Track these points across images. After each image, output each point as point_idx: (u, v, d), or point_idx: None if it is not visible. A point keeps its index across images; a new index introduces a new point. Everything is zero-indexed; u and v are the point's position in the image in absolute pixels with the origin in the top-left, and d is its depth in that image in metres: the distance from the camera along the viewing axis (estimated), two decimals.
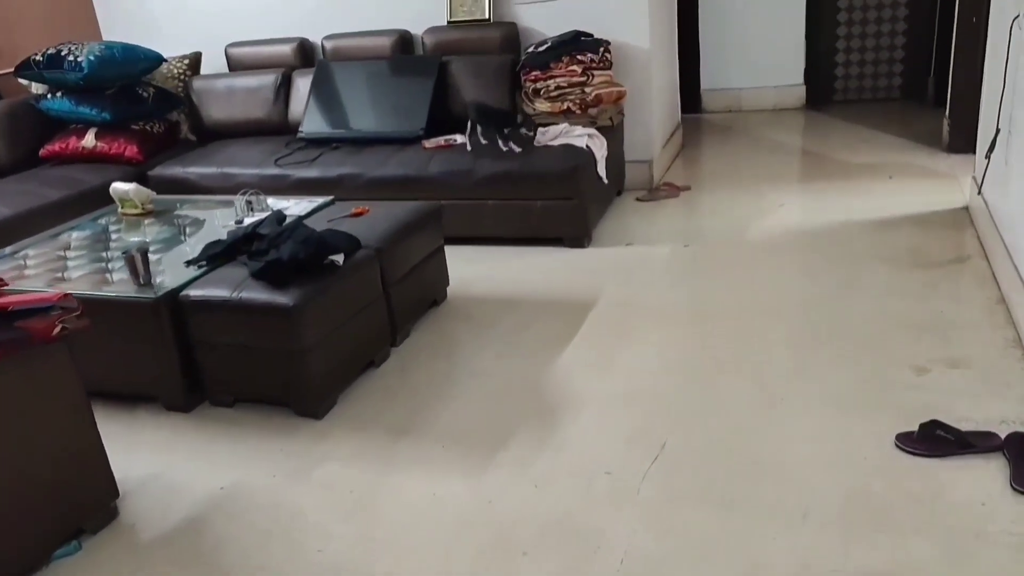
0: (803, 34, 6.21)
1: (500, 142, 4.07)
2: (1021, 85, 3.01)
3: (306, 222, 3.36)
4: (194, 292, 2.83)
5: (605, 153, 4.25)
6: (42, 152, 4.73)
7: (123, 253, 2.87)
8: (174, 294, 2.83)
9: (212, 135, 5.11)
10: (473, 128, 4.23)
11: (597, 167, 4.17)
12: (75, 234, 3.56)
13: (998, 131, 3.22)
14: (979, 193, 3.51)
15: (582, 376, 2.91)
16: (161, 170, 4.68)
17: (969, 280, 3.30)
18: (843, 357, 2.84)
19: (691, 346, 3.04)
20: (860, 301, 3.23)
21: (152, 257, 3.16)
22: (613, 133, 4.52)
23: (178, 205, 3.85)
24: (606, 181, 4.27)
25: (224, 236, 3.21)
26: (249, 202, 3.53)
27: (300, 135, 4.69)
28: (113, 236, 3.50)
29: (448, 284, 3.66)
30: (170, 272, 3.00)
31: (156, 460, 2.69)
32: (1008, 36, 3.10)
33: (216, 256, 3.03)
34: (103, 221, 3.72)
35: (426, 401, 2.86)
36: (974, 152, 4.49)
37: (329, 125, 4.66)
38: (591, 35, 4.50)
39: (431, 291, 3.55)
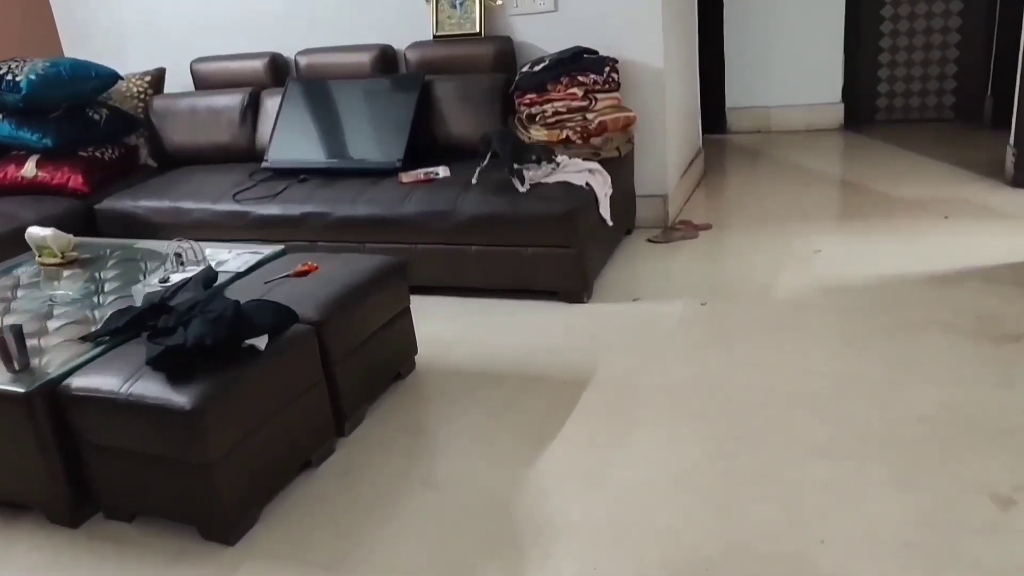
0: (841, 46, 5.56)
1: (517, 180, 3.49)
2: None
3: (240, 283, 2.80)
4: (78, 382, 2.26)
5: (609, 191, 3.64)
6: None
7: None
8: (54, 384, 2.27)
9: (174, 161, 4.57)
10: (491, 158, 3.61)
11: (600, 208, 3.56)
12: None
13: None
14: None
15: (564, 492, 2.31)
16: (110, 203, 4.15)
17: None
18: (897, 476, 2.20)
19: (704, 451, 2.41)
20: (917, 388, 2.59)
21: (54, 324, 2.62)
22: (621, 165, 3.91)
23: (107, 252, 3.30)
24: (610, 223, 3.66)
25: (140, 300, 2.66)
26: (179, 254, 2.97)
27: (265, 164, 4.13)
28: (20, 293, 2.96)
29: (416, 352, 3.07)
30: (64, 350, 2.44)
31: None
32: None
33: (119, 330, 2.47)
34: (17, 272, 3.18)
35: (367, 523, 2.26)
36: None
37: (297, 153, 4.09)
38: (596, 52, 3.90)
39: (394, 363, 2.96)
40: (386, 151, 3.93)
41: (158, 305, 2.46)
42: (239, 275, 2.89)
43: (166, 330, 2.31)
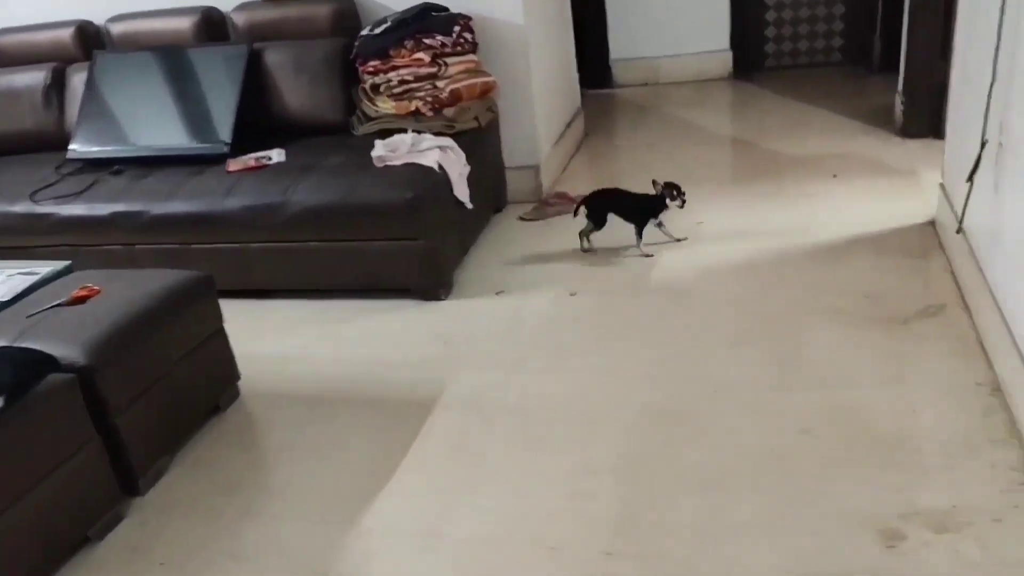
0: None
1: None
2: (1020, 76, 2.06)
3: (1, 316, 2.29)
4: None
5: (466, 169, 3.21)
6: None
7: None
8: None
9: None
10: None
11: (455, 190, 3.14)
12: None
13: (984, 144, 2.27)
14: (959, 231, 2.57)
15: (392, 556, 1.93)
16: None
17: (947, 350, 2.37)
18: (772, 511, 1.89)
19: (559, 492, 2.06)
20: (800, 393, 2.29)
21: None
22: (484, 136, 3.49)
23: None
24: (470, 205, 3.24)
25: None
26: None
27: (71, 155, 3.54)
28: None
29: (239, 377, 2.62)
30: None
31: None
32: (1001, 6, 2.13)
33: None
34: None
35: None
36: (936, 136, 3.59)
37: (108, 141, 3.52)
38: (445, 9, 3.43)
39: (207, 396, 2.51)
40: (211, 134, 3.40)
41: None
42: (2, 305, 2.38)
43: None
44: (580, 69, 4.65)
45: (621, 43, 5.46)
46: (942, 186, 3.02)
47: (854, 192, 3.50)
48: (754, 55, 5.37)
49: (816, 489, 1.94)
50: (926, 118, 3.82)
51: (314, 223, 3.01)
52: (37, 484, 1.90)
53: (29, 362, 1.95)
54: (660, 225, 3.26)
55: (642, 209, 3.26)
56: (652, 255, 3.17)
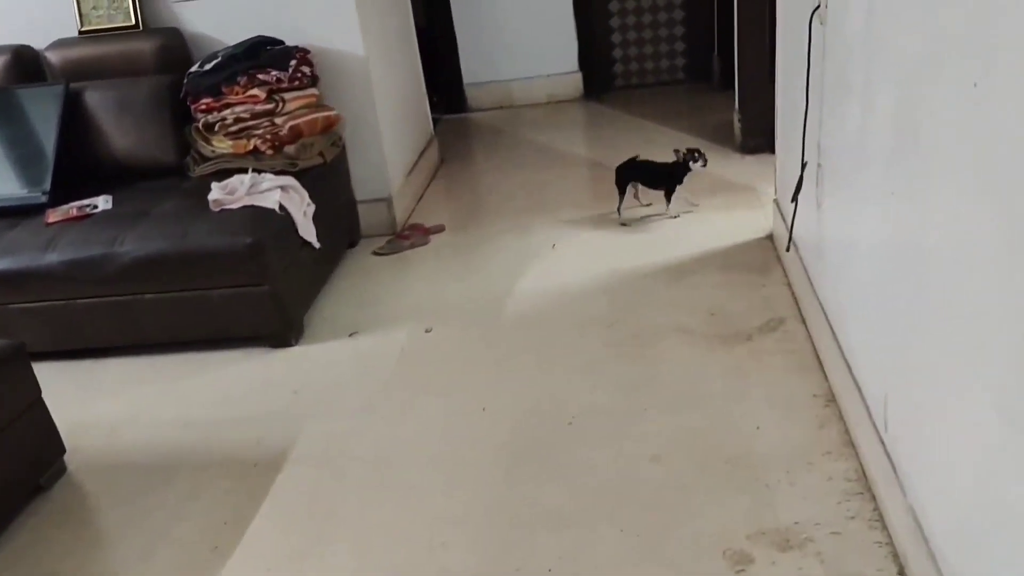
0: (572, 15, 5.30)
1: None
2: (830, 101, 2.16)
3: None
4: None
5: (311, 208, 3.10)
6: None
7: None
8: None
9: None
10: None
11: (300, 230, 3.02)
12: None
13: (804, 165, 2.38)
14: (788, 249, 2.68)
15: None
16: None
17: (787, 364, 2.45)
18: (630, 543, 1.89)
19: (415, 547, 1.98)
20: (652, 418, 2.31)
21: None
22: (331, 171, 3.38)
23: None
24: (318, 245, 3.12)
25: None
26: None
27: None
28: None
29: (65, 451, 2.41)
30: None
31: None
32: (808, 34, 2.23)
33: None
34: None
35: None
36: (772, 152, 3.74)
37: None
38: (280, 42, 3.31)
39: (25, 476, 2.29)
40: (27, 182, 3.15)
41: None
42: None
43: None
44: (434, 95, 4.62)
45: (474, 67, 5.47)
46: (776, 202, 3.15)
47: (700, 209, 3.60)
48: (603, 76, 5.50)
49: (670, 518, 1.94)
50: (762, 135, 3.99)
51: (147, 274, 2.81)
52: None
53: None
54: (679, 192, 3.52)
55: (666, 175, 3.53)
56: (678, 216, 3.52)
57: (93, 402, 2.72)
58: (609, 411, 2.37)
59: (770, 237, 3.23)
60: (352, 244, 3.66)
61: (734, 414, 2.27)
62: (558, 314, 2.93)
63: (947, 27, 1.32)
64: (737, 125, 4.16)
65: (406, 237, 3.66)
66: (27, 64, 3.43)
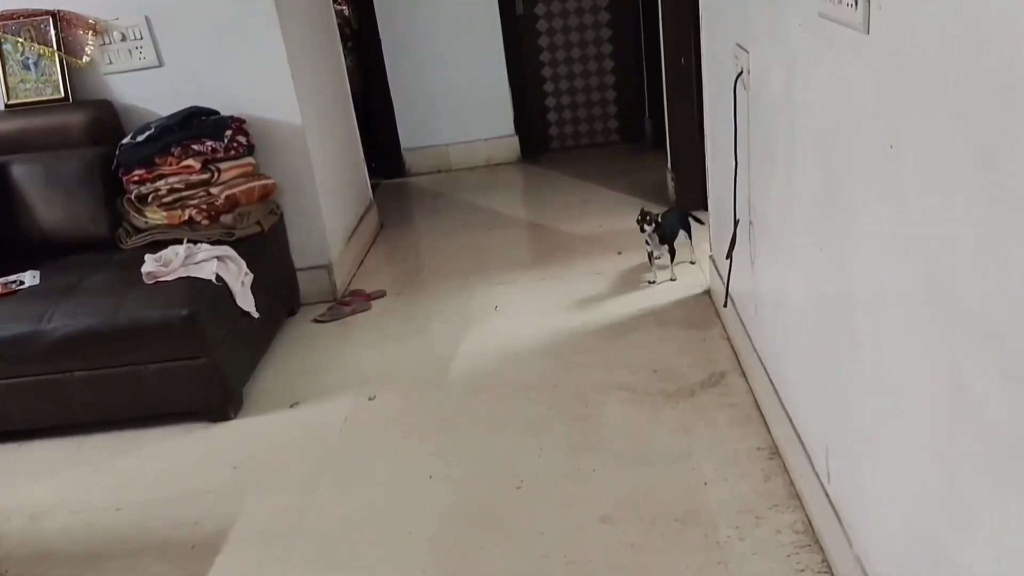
0: (507, 80, 5.42)
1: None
2: (757, 161, 2.24)
3: None
4: None
5: (248, 278, 3.05)
6: None
7: None
8: None
9: None
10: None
11: (237, 300, 2.96)
12: None
13: (737, 222, 2.45)
14: (725, 304, 2.75)
15: None
16: None
17: (730, 418, 2.48)
18: None
19: None
20: (600, 479, 2.30)
21: None
22: (269, 240, 3.34)
23: None
24: (256, 315, 3.07)
25: None
26: None
27: None
28: None
29: None
30: None
31: None
32: (733, 98, 2.32)
33: None
34: None
35: None
36: (706, 209, 3.86)
37: None
38: (215, 112, 3.30)
39: None
40: None
41: None
42: None
43: None
44: (373, 160, 4.65)
45: (411, 132, 5.53)
46: (711, 258, 3.23)
47: (639, 267, 3.67)
48: (539, 138, 5.62)
49: (624, 571, 1.93)
50: (695, 193, 4.09)
51: (78, 350, 2.72)
52: None
53: None
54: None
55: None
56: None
57: (16, 489, 2.59)
58: (557, 473, 2.36)
59: (708, 292, 3.30)
60: (292, 312, 3.61)
61: (681, 470, 2.28)
62: (502, 376, 2.92)
63: (861, 94, 1.39)
64: (671, 184, 4.27)
65: (347, 304, 3.63)
66: None
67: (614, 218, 4.31)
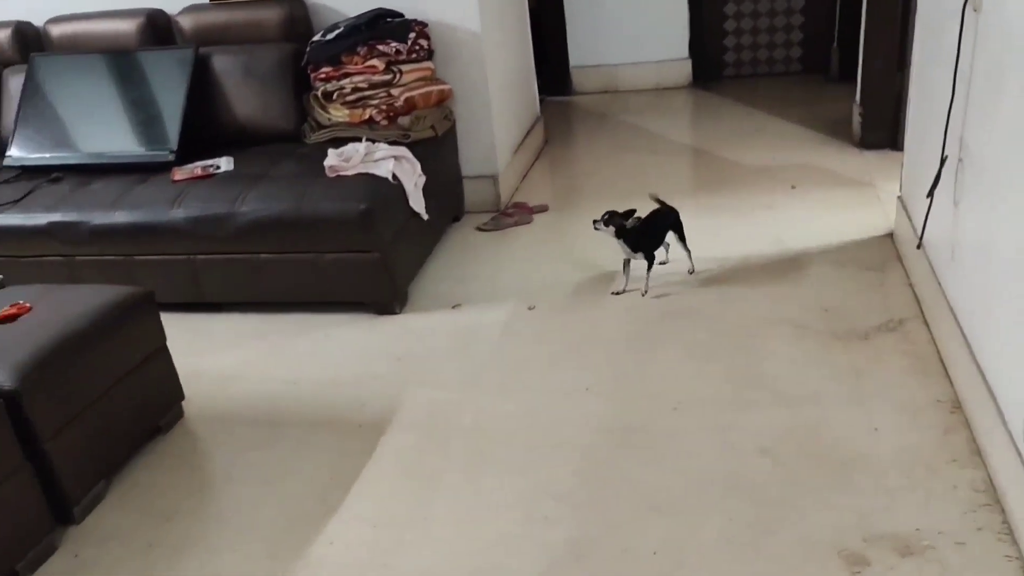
0: (685, 2, 5.18)
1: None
2: (978, 93, 2.04)
3: None
4: None
5: (421, 179, 3.13)
6: None
7: None
8: None
9: None
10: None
11: (409, 201, 3.05)
12: None
13: (944, 160, 2.26)
14: (919, 246, 2.56)
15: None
16: None
17: (907, 366, 2.35)
18: (736, 535, 1.85)
19: (516, 517, 1.99)
20: (761, 411, 2.25)
21: None
22: (440, 145, 3.40)
23: None
24: (426, 216, 3.16)
25: None
26: None
27: (8, 162, 3.39)
28: None
29: (183, 397, 2.51)
30: None
31: None
32: (960, 24, 2.11)
33: None
34: None
35: None
36: (893, 148, 3.60)
37: (47, 147, 3.37)
38: (400, 15, 3.35)
39: (148, 417, 2.39)
40: (156, 141, 3.27)
41: None
42: None
43: None
44: (539, 76, 4.60)
45: (581, 50, 5.42)
46: (900, 199, 3.01)
47: (813, 203, 3.49)
48: (713, 64, 5.37)
49: (778, 512, 1.89)
50: (883, 129, 3.84)
51: (264, 234, 2.90)
52: None
53: None
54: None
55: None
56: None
57: (207, 354, 2.82)
58: (715, 400, 2.32)
59: (890, 236, 3.10)
60: (456, 219, 3.68)
61: (850, 414, 2.19)
62: (662, 300, 2.88)
63: None
64: (857, 119, 4.00)
65: (510, 215, 3.67)
66: (159, 28, 3.56)
67: (788, 150, 4.10)
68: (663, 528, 1.89)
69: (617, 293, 2.91)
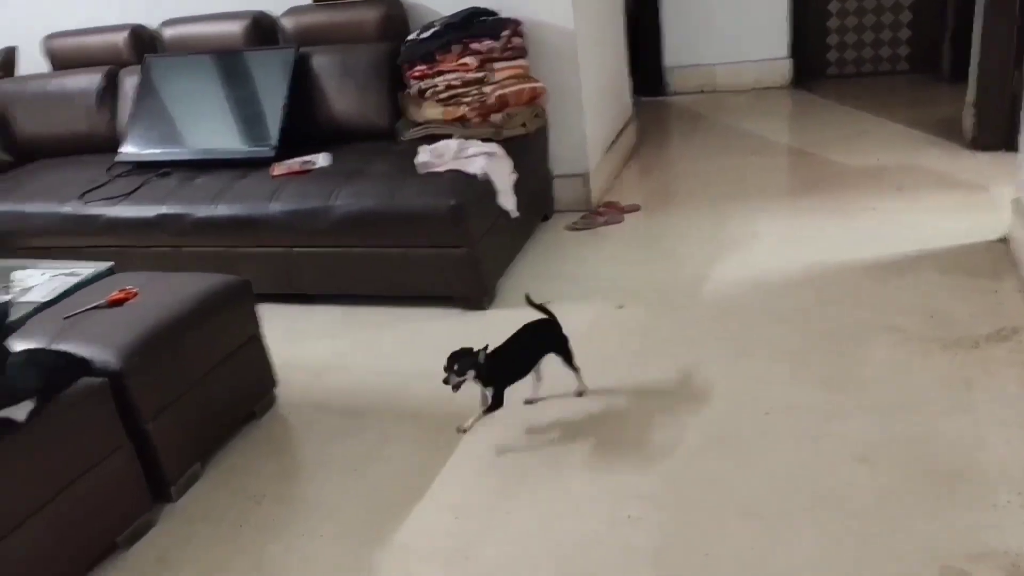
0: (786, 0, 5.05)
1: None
2: None
3: (41, 316, 2.29)
4: None
5: (512, 177, 3.14)
6: None
7: None
8: None
9: (30, 154, 3.98)
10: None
11: (499, 198, 3.06)
12: None
13: None
14: None
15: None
16: None
17: (1021, 377, 2.21)
18: (829, 547, 1.77)
19: (599, 516, 1.96)
20: (857, 419, 2.15)
21: None
22: (531, 143, 3.40)
23: None
24: (516, 214, 3.16)
25: None
26: None
27: (120, 157, 3.57)
28: None
29: (276, 384, 2.58)
30: None
31: None
32: None
33: None
34: None
35: None
36: (1009, 149, 3.40)
37: (157, 143, 3.54)
38: (494, 13, 3.37)
39: (242, 402, 2.48)
40: (258, 138, 3.39)
41: None
42: (43, 306, 2.37)
43: None
44: (633, 76, 4.55)
45: (676, 50, 5.33)
46: (1016, 202, 2.83)
47: (920, 206, 3.32)
48: (815, 63, 5.19)
49: (876, 524, 1.80)
50: (999, 130, 3.62)
51: (357, 229, 2.96)
52: (65, 488, 1.88)
53: (60, 366, 1.93)
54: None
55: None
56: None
57: (300, 344, 2.90)
58: (809, 406, 2.23)
59: (1004, 241, 2.92)
60: (546, 218, 3.68)
61: (956, 424, 2.06)
62: (756, 303, 2.80)
63: None
64: (970, 119, 3.78)
65: (600, 214, 3.63)
66: (263, 29, 3.69)
67: (894, 152, 3.92)
68: (750, 534, 1.83)
69: (462, 430, 2.20)
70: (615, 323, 2.81)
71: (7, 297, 2.40)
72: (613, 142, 4.11)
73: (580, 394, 2.40)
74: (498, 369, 2.21)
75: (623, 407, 2.35)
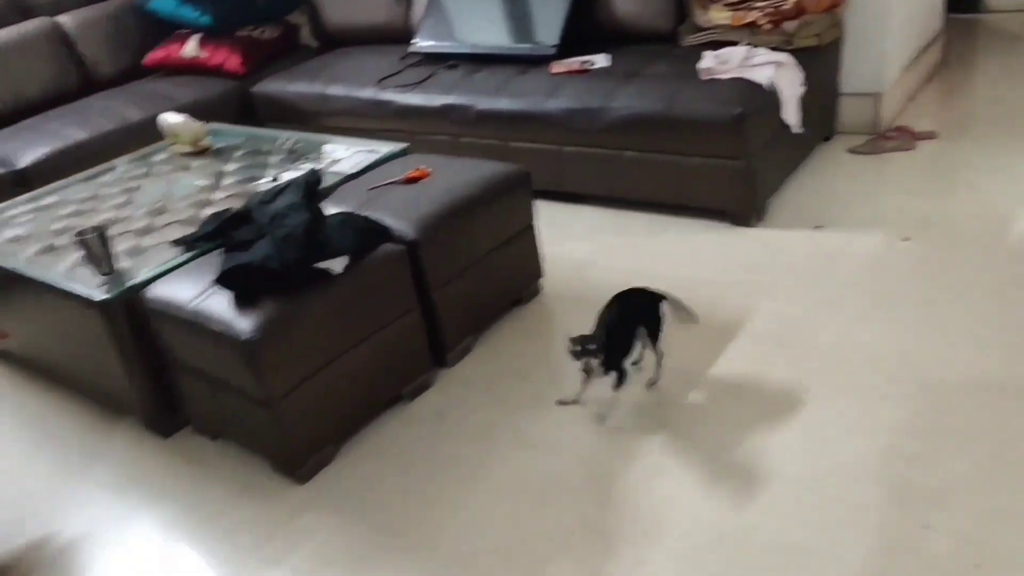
0: None
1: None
2: None
3: (347, 187, 2.54)
4: (157, 291, 2.12)
5: (801, 90, 2.95)
6: (145, 61, 4.22)
7: (77, 235, 2.21)
8: (134, 291, 2.14)
9: (335, 41, 4.34)
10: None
11: (782, 111, 2.90)
12: (108, 177, 2.99)
13: None
14: None
15: (675, 482, 1.89)
16: (264, 85, 4.01)
17: None
18: None
19: (869, 447, 1.88)
20: None
21: (162, 221, 2.50)
22: (821, 56, 3.16)
23: (243, 142, 3.14)
24: (799, 130, 2.99)
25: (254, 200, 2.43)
26: (293, 151, 2.74)
27: (413, 48, 3.79)
28: (145, 184, 2.87)
29: (542, 275, 2.69)
30: (158, 254, 2.31)
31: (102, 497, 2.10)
32: None
33: (209, 236, 2.29)
34: (153, 159, 3.11)
35: (446, 482, 1.99)
36: None
37: (446, 37, 3.71)
38: None
39: (512, 287, 2.61)
40: (540, 36, 3.44)
41: (241, 213, 2.25)
42: (349, 177, 2.62)
43: (241, 244, 2.10)
44: None
45: None
46: None
47: None
48: None
49: None
50: None
51: (632, 131, 2.95)
52: (365, 339, 2.10)
53: (369, 230, 2.13)
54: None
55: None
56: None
57: (566, 240, 2.97)
58: None
59: None
60: (827, 137, 3.44)
61: None
62: None
63: None
64: None
65: (889, 138, 3.33)
66: None
67: None
68: None
69: (563, 403, 2.15)
70: (899, 257, 2.60)
71: (320, 166, 2.67)
72: (913, 59, 3.71)
73: (652, 384, 2.17)
74: (611, 342, 2.03)
75: (899, 343, 2.19)
